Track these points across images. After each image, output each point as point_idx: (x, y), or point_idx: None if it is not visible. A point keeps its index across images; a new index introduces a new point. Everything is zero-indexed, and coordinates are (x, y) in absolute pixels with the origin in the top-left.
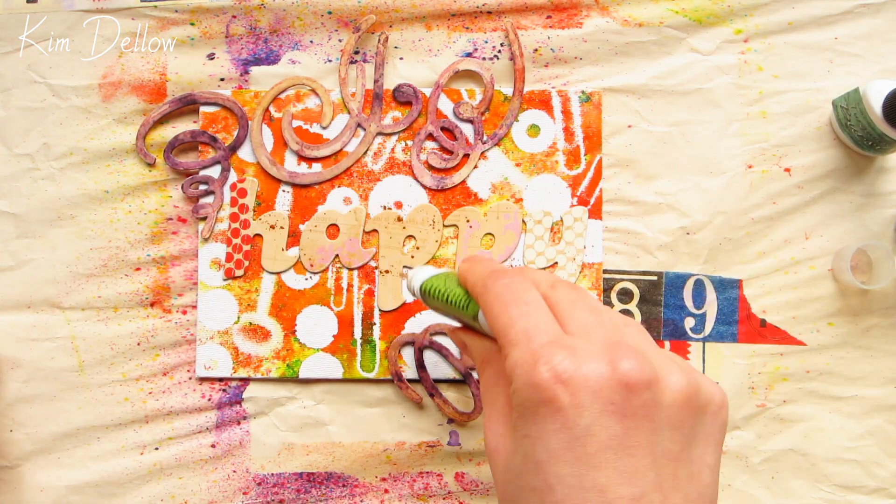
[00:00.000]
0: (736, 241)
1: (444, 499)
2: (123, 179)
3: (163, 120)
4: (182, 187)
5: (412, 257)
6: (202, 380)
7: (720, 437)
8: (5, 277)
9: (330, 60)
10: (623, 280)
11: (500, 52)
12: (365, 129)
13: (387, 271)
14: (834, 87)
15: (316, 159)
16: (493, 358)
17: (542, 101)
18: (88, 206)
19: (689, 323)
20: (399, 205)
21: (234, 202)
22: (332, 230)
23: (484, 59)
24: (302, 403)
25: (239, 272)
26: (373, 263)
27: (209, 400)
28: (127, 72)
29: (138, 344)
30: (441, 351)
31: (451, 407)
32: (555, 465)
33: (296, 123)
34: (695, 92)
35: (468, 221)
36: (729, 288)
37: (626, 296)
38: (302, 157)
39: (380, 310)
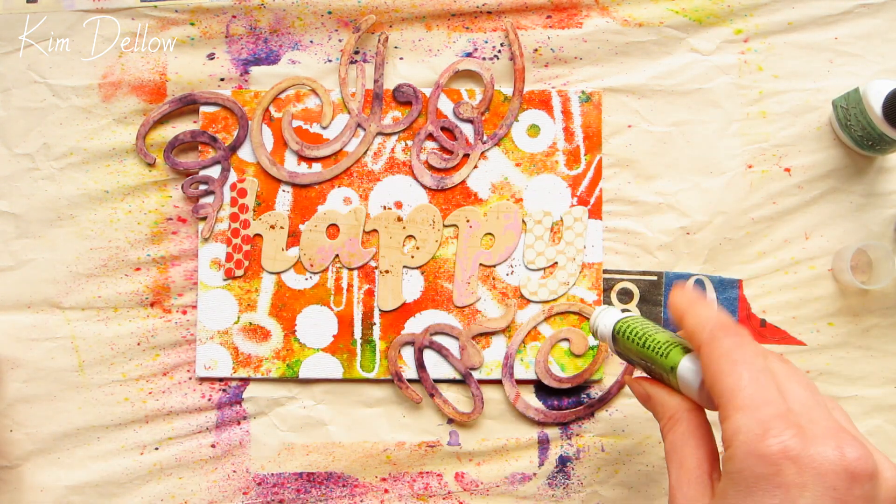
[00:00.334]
0: (736, 241)
1: (444, 499)
2: (123, 179)
3: (163, 120)
4: (182, 187)
5: (412, 257)
6: (202, 380)
7: None
8: (5, 277)
9: (330, 60)
10: (623, 280)
11: (500, 52)
12: (365, 129)
13: (387, 271)
14: (834, 87)
15: (316, 159)
16: (684, 416)
17: (542, 101)
18: (88, 206)
19: None
20: (399, 205)
21: (234, 202)
22: (332, 230)
23: (484, 59)
24: (302, 403)
25: (239, 272)
26: (373, 263)
27: (209, 400)
28: (127, 72)
29: (138, 344)
30: (441, 351)
31: (451, 407)
32: None
33: (296, 123)
34: (695, 92)
35: (468, 221)
36: (729, 288)
37: (626, 296)
38: (302, 157)
39: (380, 310)
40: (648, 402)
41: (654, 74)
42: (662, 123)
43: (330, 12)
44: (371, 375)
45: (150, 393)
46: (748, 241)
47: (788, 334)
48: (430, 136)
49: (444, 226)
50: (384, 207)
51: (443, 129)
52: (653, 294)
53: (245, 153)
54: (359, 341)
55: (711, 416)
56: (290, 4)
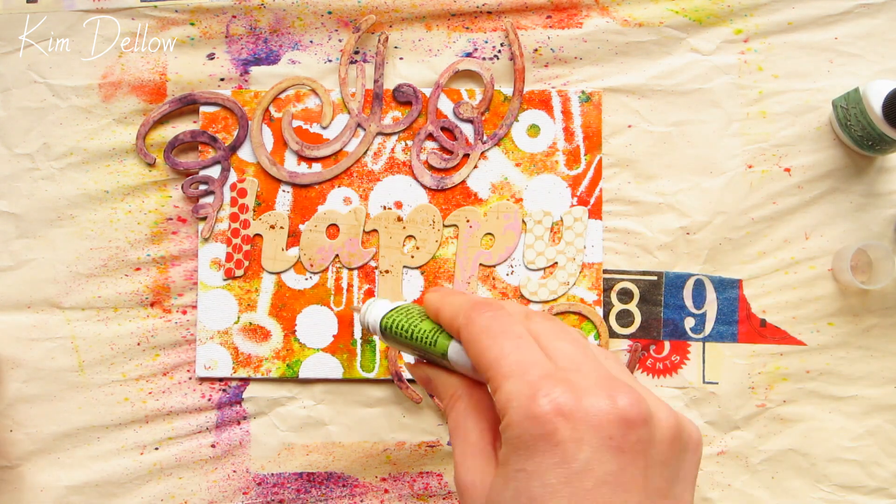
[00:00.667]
0: (736, 241)
1: (444, 499)
2: (123, 179)
3: (163, 120)
4: (182, 187)
5: (412, 257)
6: (202, 380)
7: (696, 475)
8: (5, 277)
9: (330, 60)
10: (623, 280)
11: (500, 52)
12: (365, 129)
13: (387, 271)
14: (834, 87)
15: (316, 159)
16: (462, 393)
17: (542, 101)
18: (88, 206)
19: (689, 323)
20: (399, 205)
21: (234, 202)
22: (332, 230)
23: (484, 59)
24: (302, 403)
25: (239, 272)
26: (373, 263)
27: (209, 400)
28: (127, 72)
29: (138, 344)
30: None
31: None
32: (551, 499)
33: (296, 123)
34: (695, 92)
35: (468, 221)
36: (729, 288)
37: (626, 296)
38: (302, 157)
39: None
40: (430, 386)
41: (654, 74)
42: (662, 123)
43: (330, 12)
44: (371, 375)
45: (150, 393)
46: (748, 241)
47: (788, 334)
48: (430, 136)
49: (444, 226)
50: (384, 207)
51: (443, 129)
52: (653, 294)
53: (245, 153)
54: (359, 341)
55: None
56: (290, 4)
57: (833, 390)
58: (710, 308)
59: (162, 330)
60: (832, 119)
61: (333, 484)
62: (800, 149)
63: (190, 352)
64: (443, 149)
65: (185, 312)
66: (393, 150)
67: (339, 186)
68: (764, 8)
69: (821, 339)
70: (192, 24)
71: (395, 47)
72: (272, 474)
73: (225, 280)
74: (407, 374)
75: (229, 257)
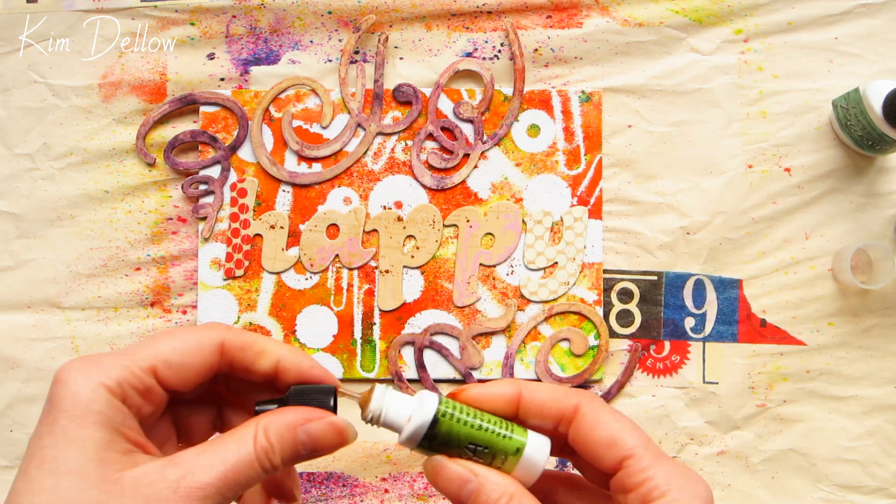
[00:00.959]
0: (736, 241)
1: (444, 499)
2: (123, 179)
3: (163, 120)
4: (182, 187)
5: (412, 257)
6: None
7: None
8: (5, 277)
9: (330, 60)
10: (623, 280)
11: (500, 52)
12: (365, 129)
13: (387, 271)
14: (834, 87)
15: (316, 159)
16: (518, 492)
17: (542, 101)
18: (88, 206)
19: (690, 323)
20: (399, 205)
21: (234, 202)
22: (332, 230)
23: (484, 59)
24: None
25: (239, 272)
26: (373, 263)
27: None
28: (127, 72)
29: None
30: (441, 351)
31: None
32: None
33: (296, 123)
34: (695, 92)
35: (468, 221)
36: (729, 288)
37: (626, 296)
38: (302, 157)
39: (380, 310)
40: (466, 485)
41: (654, 74)
42: (662, 123)
43: (330, 12)
44: (371, 375)
45: None
46: (748, 241)
47: (788, 334)
48: (430, 136)
49: (444, 226)
50: (384, 207)
51: (443, 129)
52: (653, 294)
53: (245, 153)
54: (359, 341)
55: None
56: (290, 4)
57: (833, 390)
58: (711, 308)
59: (162, 330)
60: (832, 119)
61: (333, 484)
62: (800, 149)
63: None
64: (443, 149)
65: (185, 312)
66: (393, 149)
67: (339, 186)
68: (764, 8)
69: (821, 339)
70: (192, 24)
71: (395, 47)
72: None
73: (225, 280)
74: (407, 374)
75: (229, 257)
